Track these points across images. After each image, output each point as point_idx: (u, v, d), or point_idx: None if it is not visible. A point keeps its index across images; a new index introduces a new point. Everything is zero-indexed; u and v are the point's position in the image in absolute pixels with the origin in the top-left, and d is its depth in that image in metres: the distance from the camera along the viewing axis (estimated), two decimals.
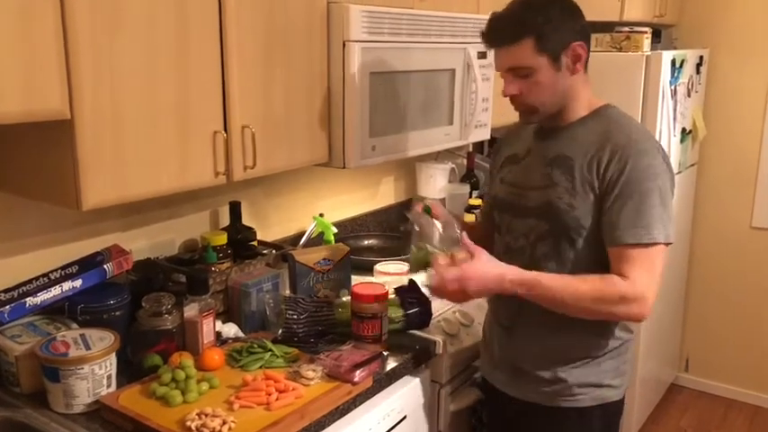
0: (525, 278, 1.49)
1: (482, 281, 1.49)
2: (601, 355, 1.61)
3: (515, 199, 1.64)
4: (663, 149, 1.54)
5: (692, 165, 3.59)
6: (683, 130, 3.29)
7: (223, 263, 1.92)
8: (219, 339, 1.76)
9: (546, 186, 1.56)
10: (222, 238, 1.95)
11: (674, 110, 3.12)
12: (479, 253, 1.51)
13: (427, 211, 1.73)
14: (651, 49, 3.12)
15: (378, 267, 2.23)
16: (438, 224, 1.69)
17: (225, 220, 2.11)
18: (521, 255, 1.62)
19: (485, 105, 2.41)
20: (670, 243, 1.48)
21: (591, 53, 1.57)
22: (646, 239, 1.45)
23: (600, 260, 1.53)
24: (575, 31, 1.52)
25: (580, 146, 1.55)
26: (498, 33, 1.54)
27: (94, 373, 1.47)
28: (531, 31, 1.48)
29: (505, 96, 1.57)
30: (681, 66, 3.14)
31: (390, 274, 2.18)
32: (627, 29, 3.11)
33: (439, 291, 1.53)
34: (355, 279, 2.05)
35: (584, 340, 1.61)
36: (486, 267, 1.50)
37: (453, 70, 2.24)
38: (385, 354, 1.72)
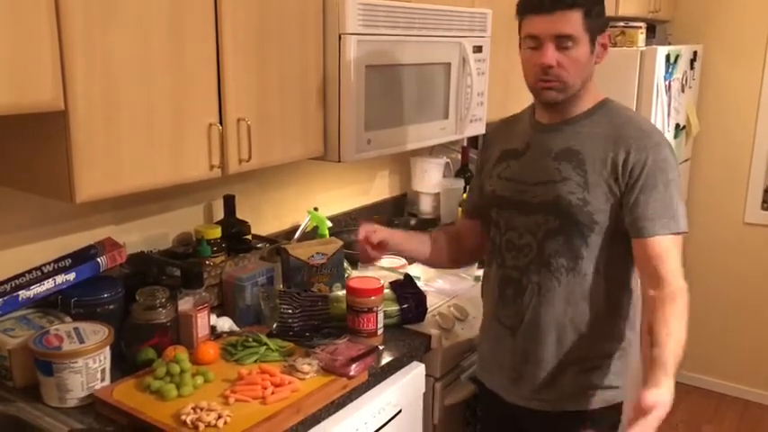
0: (670, 374, 1.35)
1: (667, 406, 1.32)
2: (610, 357, 1.59)
3: (517, 195, 1.60)
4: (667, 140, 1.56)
5: (686, 160, 3.60)
6: (677, 125, 3.30)
7: (217, 256, 1.92)
8: (214, 333, 1.75)
9: (554, 181, 1.54)
10: (216, 232, 1.94)
11: (669, 105, 3.13)
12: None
13: None
14: (646, 45, 3.13)
15: None
16: None
17: (219, 213, 2.10)
18: (527, 252, 1.58)
19: (480, 99, 2.41)
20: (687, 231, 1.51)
21: None
22: (675, 229, 1.48)
23: (612, 254, 1.53)
24: (606, 22, 1.54)
25: (588, 139, 1.53)
26: None
27: (88, 366, 1.46)
28: (582, 4, 1.46)
29: (543, 66, 1.47)
30: (675, 61, 3.14)
31: (385, 269, 2.18)
32: (622, 24, 3.12)
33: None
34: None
35: (596, 342, 1.58)
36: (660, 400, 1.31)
37: (449, 64, 2.24)
38: (380, 348, 1.72)
